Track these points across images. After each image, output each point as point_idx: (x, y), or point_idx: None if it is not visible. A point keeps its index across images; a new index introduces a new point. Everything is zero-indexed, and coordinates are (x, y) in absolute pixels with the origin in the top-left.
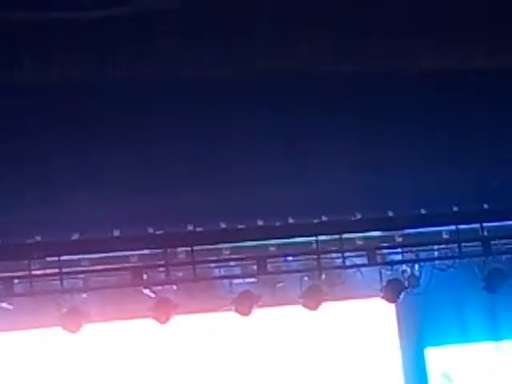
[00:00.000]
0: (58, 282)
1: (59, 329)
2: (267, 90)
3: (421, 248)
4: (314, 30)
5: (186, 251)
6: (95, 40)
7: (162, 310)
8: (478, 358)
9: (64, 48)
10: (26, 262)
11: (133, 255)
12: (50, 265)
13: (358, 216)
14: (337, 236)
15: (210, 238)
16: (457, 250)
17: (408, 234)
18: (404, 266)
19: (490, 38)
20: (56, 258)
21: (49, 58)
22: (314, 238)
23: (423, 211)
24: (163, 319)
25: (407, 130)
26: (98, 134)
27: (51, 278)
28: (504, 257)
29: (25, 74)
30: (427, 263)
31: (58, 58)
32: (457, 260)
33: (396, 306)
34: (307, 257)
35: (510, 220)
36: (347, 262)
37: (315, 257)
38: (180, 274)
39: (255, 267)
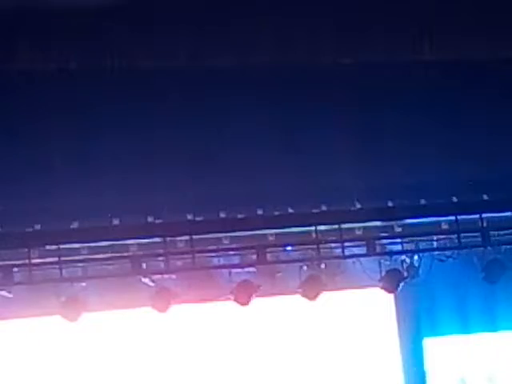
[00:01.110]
0: (57, 271)
1: (58, 317)
2: (267, 81)
3: (420, 238)
4: (313, 22)
5: (186, 240)
6: (94, 29)
7: (161, 299)
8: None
9: (63, 37)
10: (26, 250)
11: (132, 244)
12: (50, 253)
13: (358, 206)
14: (336, 226)
15: (210, 227)
16: (456, 240)
17: (407, 225)
18: (403, 256)
19: (489, 29)
20: (55, 247)
21: (48, 48)
22: (313, 228)
23: (423, 201)
24: (162, 308)
25: (407, 121)
26: (97, 123)
27: (50, 266)
28: (503, 247)
29: (24, 64)
30: (426, 253)
31: (56, 48)
32: (456, 250)
33: (395, 296)
34: (306, 246)
35: (509, 211)
36: (346, 252)
37: (314, 247)
38: (179, 263)
39: (254, 257)
